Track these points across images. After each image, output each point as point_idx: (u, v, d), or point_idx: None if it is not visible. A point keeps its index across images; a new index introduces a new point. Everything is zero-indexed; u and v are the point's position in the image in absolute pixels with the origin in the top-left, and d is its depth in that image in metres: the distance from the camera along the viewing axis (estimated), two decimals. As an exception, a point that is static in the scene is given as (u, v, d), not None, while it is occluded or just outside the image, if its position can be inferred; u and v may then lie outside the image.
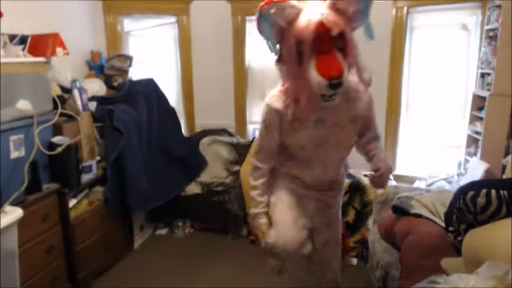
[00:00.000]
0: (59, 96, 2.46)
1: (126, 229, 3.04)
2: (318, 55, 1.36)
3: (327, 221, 1.84)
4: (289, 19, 1.39)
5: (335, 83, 1.34)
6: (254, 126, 3.99)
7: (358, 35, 1.50)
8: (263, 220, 1.70)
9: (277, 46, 1.48)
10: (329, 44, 1.35)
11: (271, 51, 1.50)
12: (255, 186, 1.71)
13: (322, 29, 1.33)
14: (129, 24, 3.74)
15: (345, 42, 1.38)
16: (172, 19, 3.78)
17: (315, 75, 1.35)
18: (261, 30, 1.44)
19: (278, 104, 1.56)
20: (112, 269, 2.83)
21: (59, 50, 2.49)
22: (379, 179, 1.69)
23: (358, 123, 1.64)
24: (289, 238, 1.63)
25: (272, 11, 1.36)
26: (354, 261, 2.89)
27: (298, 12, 1.39)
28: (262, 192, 1.70)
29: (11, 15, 2.30)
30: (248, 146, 3.39)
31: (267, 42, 1.48)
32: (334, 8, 1.39)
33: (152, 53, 3.87)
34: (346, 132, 1.62)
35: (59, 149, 2.27)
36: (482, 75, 2.94)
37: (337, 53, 1.38)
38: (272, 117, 1.58)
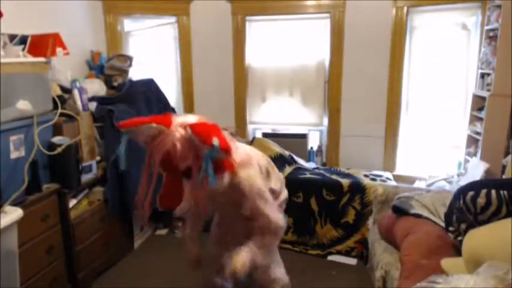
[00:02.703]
0: (59, 96, 2.46)
1: (126, 229, 3.04)
2: (166, 175, 1.50)
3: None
4: (150, 137, 1.49)
5: (163, 211, 1.48)
6: (254, 126, 4.00)
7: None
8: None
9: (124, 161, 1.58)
10: (174, 171, 1.47)
11: (121, 167, 1.57)
12: None
13: (168, 158, 1.43)
14: (129, 24, 3.74)
15: (193, 178, 1.45)
16: (172, 19, 3.78)
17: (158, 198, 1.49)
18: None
19: None
20: (112, 269, 2.83)
21: (59, 50, 2.48)
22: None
23: (245, 206, 1.70)
24: None
25: (132, 131, 1.50)
26: (354, 261, 2.89)
27: (159, 133, 1.47)
28: None
29: (11, 15, 2.30)
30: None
31: (119, 154, 1.55)
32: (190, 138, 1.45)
33: (152, 53, 3.87)
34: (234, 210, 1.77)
35: (59, 149, 2.27)
36: (482, 75, 2.94)
37: (184, 181, 1.48)
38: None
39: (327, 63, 3.61)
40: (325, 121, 3.71)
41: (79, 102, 2.62)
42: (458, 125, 3.34)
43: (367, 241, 2.72)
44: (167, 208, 1.41)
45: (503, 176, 2.58)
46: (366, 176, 3.14)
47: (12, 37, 2.37)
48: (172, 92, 3.84)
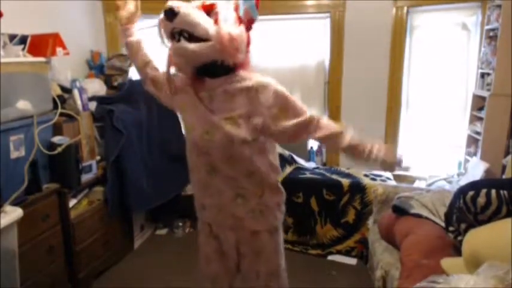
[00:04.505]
0: (59, 96, 2.46)
1: (126, 229, 3.04)
2: None
3: (256, 250, 1.55)
4: None
5: (166, 9, 1.27)
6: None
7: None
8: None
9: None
10: None
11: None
12: None
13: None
14: (129, 24, 3.73)
15: (216, 10, 1.32)
16: (172, 19, 3.78)
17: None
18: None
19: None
20: (112, 269, 2.84)
21: (59, 50, 2.48)
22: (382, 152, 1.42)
23: (255, 120, 1.35)
24: None
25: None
26: (354, 261, 2.90)
27: None
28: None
29: (11, 15, 2.30)
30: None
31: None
32: None
33: (152, 53, 3.86)
34: (237, 127, 1.36)
35: (59, 149, 2.27)
36: (482, 75, 2.94)
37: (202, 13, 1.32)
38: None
39: (327, 63, 3.61)
40: (325, 121, 3.70)
41: (79, 102, 2.62)
42: (458, 124, 3.34)
43: (367, 241, 2.72)
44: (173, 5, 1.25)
45: (504, 176, 2.58)
46: (366, 175, 3.14)
47: (12, 37, 2.37)
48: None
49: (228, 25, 1.30)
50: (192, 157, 1.51)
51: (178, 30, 1.28)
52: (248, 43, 1.38)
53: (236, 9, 1.33)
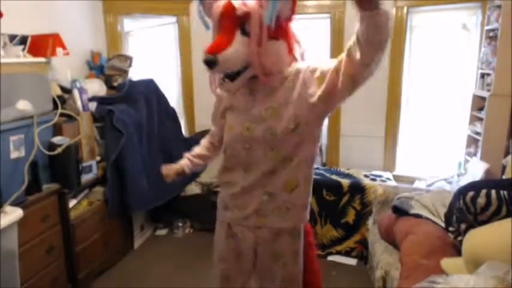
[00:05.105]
0: (59, 96, 2.46)
1: (126, 229, 3.04)
2: (219, 33, 1.35)
3: (274, 253, 1.50)
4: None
5: (205, 58, 1.30)
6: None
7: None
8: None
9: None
10: (230, 24, 1.32)
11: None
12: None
13: (228, 8, 1.33)
14: (129, 24, 3.74)
15: (250, 26, 1.30)
16: (173, 19, 3.78)
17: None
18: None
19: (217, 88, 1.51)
20: (112, 269, 2.84)
21: (59, 50, 2.49)
22: None
23: (297, 107, 1.39)
24: None
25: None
26: (354, 261, 2.90)
27: None
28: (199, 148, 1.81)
29: (11, 15, 2.30)
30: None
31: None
32: None
33: (152, 53, 3.87)
34: (279, 116, 1.39)
35: (59, 149, 2.27)
36: (482, 75, 2.94)
37: (238, 35, 1.32)
38: (216, 99, 1.60)
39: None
40: (325, 121, 3.70)
41: (79, 102, 2.62)
42: (458, 125, 3.34)
43: (367, 241, 2.72)
44: (208, 53, 1.27)
45: (503, 176, 2.58)
46: (365, 176, 3.14)
47: (12, 37, 2.38)
48: (172, 92, 3.84)
49: (262, 45, 1.30)
50: (227, 158, 1.56)
51: (223, 73, 1.36)
52: (290, 48, 1.40)
53: (262, 15, 1.28)
